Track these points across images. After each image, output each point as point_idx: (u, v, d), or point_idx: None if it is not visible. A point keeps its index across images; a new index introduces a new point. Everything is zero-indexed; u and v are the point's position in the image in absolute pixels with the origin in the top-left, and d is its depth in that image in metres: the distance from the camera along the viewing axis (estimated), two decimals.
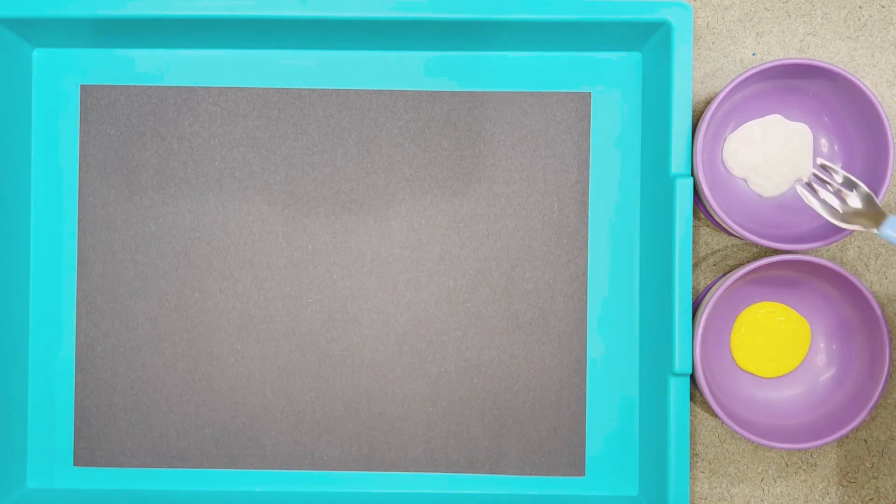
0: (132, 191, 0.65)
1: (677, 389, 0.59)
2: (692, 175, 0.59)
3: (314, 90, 0.65)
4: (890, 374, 0.62)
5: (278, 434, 0.64)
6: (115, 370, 0.64)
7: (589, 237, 0.64)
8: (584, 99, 0.64)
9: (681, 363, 0.58)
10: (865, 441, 0.65)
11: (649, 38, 0.62)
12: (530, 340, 0.64)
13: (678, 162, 0.59)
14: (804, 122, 0.62)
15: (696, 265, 0.65)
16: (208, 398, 0.64)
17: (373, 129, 0.65)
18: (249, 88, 0.65)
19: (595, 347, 0.64)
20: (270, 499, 0.63)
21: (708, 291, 0.62)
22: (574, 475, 0.64)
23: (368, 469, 0.64)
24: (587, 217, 0.64)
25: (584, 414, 0.64)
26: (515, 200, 0.64)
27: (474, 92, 0.64)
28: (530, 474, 0.64)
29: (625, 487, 0.64)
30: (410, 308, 0.64)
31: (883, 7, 0.65)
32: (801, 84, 0.61)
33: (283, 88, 0.65)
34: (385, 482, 0.64)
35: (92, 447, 0.65)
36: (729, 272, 0.62)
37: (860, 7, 0.65)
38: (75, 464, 0.65)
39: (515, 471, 0.64)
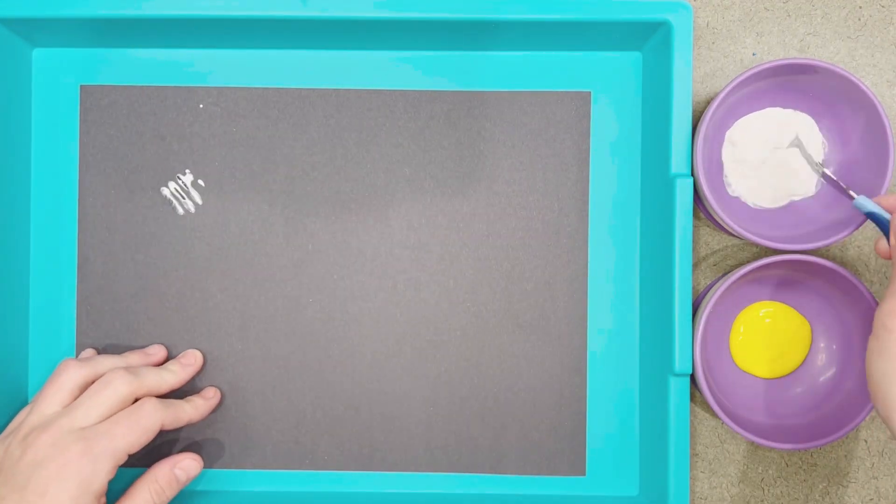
0: (132, 191, 0.64)
1: (677, 389, 0.59)
2: (692, 175, 0.59)
3: (314, 90, 0.65)
4: None
5: (278, 434, 0.64)
6: None
7: (589, 237, 0.64)
8: (584, 99, 0.64)
9: (681, 363, 0.58)
10: (866, 441, 0.65)
11: (649, 37, 0.62)
12: (530, 340, 0.64)
13: (678, 162, 0.59)
14: (805, 121, 0.62)
15: (696, 265, 0.65)
16: None
17: (373, 129, 0.64)
18: (249, 88, 0.65)
19: (595, 347, 0.64)
20: (270, 499, 0.63)
21: (708, 291, 0.62)
22: (574, 475, 0.64)
23: (368, 469, 0.64)
24: (587, 217, 0.64)
25: (585, 414, 0.64)
26: (515, 200, 0.64)
27: (474, 92, 0.64)
28: (530, 474, 0.64)
29: (625, 487, 0.64)
30: (410, 308, 0.64)
31: (883, 7, 0.65)
32: (801, 84, 0.61)
33: (283, 88, 0.65)
34: (385, 482, 0.64)
35: None
36: (729, 272, 0.62)
37: (860, 7, 0.65)
38: None
39: (515, 471, 0.64)
